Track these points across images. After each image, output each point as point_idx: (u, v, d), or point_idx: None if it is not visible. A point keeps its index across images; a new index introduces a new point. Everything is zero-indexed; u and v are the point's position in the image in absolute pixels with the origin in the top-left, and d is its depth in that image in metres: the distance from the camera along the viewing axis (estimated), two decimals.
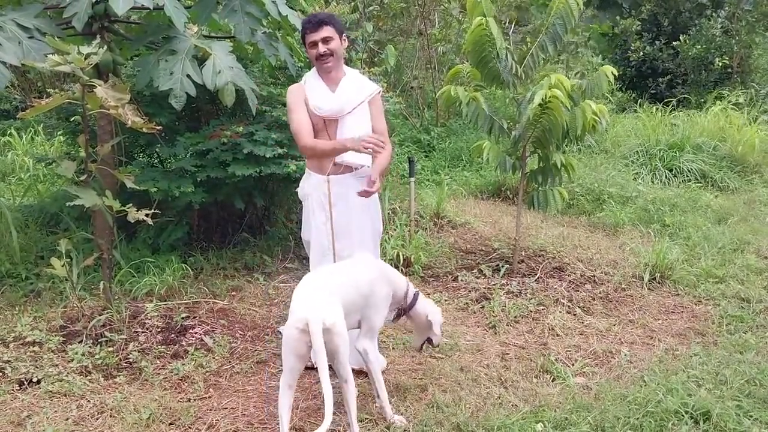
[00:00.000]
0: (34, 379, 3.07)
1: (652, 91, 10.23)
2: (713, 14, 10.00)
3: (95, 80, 3.12)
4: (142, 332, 3.50)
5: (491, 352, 3.58)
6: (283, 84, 4.71)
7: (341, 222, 3.14)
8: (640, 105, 9.40)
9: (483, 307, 4.11)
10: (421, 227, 5.26)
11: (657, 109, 8.68)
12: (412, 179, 4.89)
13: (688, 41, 9.85)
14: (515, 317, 3.98)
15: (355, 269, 2.86)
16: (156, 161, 4.92)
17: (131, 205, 3.34)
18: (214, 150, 4.28)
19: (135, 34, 3.95)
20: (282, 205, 5.25)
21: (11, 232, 4.35)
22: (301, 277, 2.77)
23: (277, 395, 2.53)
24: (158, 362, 3.28)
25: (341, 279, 2.75)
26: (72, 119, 4.59)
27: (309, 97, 3.11)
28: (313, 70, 3.19)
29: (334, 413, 2.30)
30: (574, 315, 4.05)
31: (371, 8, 7.78)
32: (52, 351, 3.26)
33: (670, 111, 8.64)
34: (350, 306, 2.70)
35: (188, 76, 3.38)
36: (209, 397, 3.07)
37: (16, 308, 3.79)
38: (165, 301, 3.91)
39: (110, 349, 3.30)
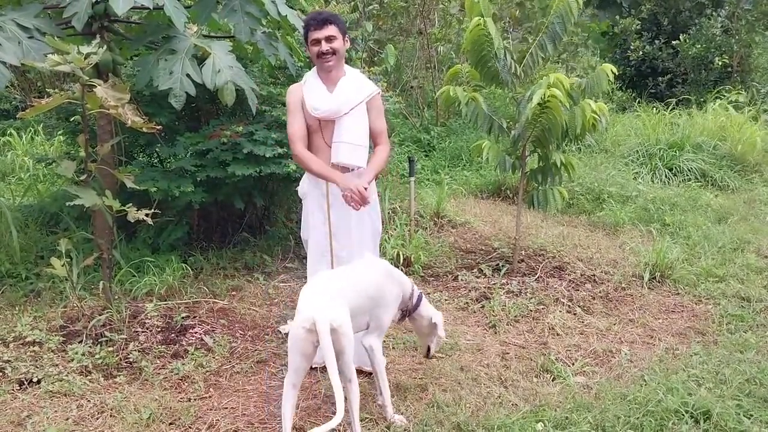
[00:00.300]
0: (34, 379, 3.07)
1: (652, 91, 10.23)
2: (713, 13, 10.00)
3: (95, 80, 3.12)
4: (142, 332, 3.50)
5: (491, 351, 3.58)
6: (282, 84, 4.71)
7: (339, 222, 3.14)
8: (639, 104, 9.40)
9: (483, 306, 4.11)
10: (421, 227, 5.26)
11: (657, 108, 8.68)
12: (412, 179, 4.89)
13: (687, 40, 9.86)
14: (515, 317, 3.98)
15: (362, 272, 2.85)
16: (156, 161, 4.92)
17: (131, 204, 3.34)
18: (214, 150, 4.28)
19: (135, 33, 3.95)
20: (282, 205, 5.25)
21: (11, 232, 4.35)
22: (302, 277, 2.77)
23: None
24: (158, 362, 3.28)
25: (349, 282, 2.74)
26: (72, 119, 4.59)
27: (306, 97, 3.10)
28: (314, 69, 3.19)
29: (334, 413, 2.30)
30: (575, 314, 4.05)
31: (371, 7, 7.77)
32: (52, 351, 3.26)
33: (670, 110, 8.64)
34: (358, 309, 2.71)
35: (188, 75, 3.38)
36: (209, 396, 3.07)
37: (16, 308, 3.79)
38: (165, 300, 3.91)
39: (110, 348, 3.30)
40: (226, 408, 2.98)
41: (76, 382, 3.03)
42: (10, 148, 7.37)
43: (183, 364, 3.25)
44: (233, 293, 4.21)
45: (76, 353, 3.23)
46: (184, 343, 3.45)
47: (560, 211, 5.76)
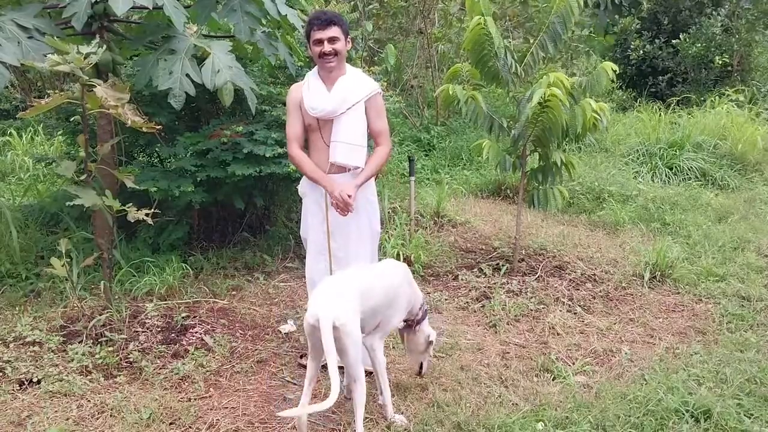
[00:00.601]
0: (35, 379, 3.07)
1: (652, 90, 10.23)
2: (713, 12, 9.99)
3: (95, 80, 3.12)
4: (143, 332, 3.49)
5: (492, 351, 3.58)
6: (282, 83, 4.71)
7: (338, 221, 3.14)
8: (639, 104, 9.40)
9: (483, 306, 4.11)
10: (421, 226, 5.26)
11: (657, 107, 8.67)
12: (412, 178, 4.89)
13: (688, 40, 9.85)
14: (516, 316, 3.98)
15: (384, 273, 2.92)
16: (156, 161, 4.92)
17: (131, 204, 3.35)
18: (214, 150, 4.28)
19: (134, 33, 3.95)
20: (282, 205, 5.25)
21: (11, 232, 4.35)
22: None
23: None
24: (158, 362, 3.28)
25: (370, 282, 2.79)
26: (72, 119, 4.59)
27: (305, 97, 3.11)
28: (315, 68, 3.19)
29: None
30: (575, 314, 4.05)
31: (371, 7, 7.78)
32: (53, 351, 3.26)
33: (671, 110, 8.64)
34: (375, 309, 2.77)
35: (187, 75, 3.38)
36: (210, 396, 3.06)
37: (16, 308, 3.79)
38: (165, 300, 3.91)
39: (110, 348, 3.30)
40: (227, 408, 2.97)
41: (76, 382, 3.03)
42: (10, 148, 7.37)
43: (183, 364, 3.25)
44: (233, 293, 4.21)
45: (76, 353, 3.23)
46: (184, 342, 3.45)
47: (560, 210, 5.76)
